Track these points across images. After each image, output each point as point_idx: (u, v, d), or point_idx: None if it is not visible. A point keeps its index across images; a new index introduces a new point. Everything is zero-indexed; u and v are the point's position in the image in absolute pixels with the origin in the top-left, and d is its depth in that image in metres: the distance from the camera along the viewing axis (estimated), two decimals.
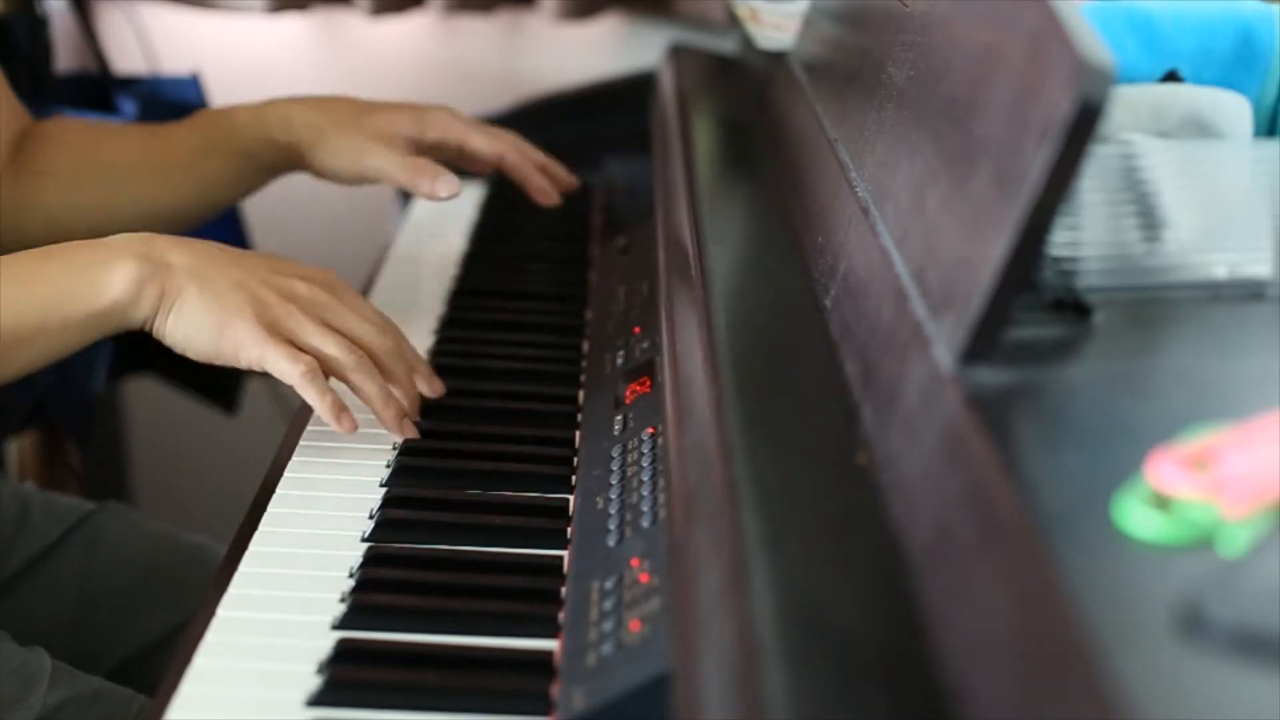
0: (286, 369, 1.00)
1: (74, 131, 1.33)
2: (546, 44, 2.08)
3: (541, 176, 1.37)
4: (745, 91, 1.58)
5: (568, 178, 1.40)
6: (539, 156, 1.38)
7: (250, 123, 1.31)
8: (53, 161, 1.29)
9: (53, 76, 1.78)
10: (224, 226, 1.71)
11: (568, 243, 1.50)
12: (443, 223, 1.57)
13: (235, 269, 1.02)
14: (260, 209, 1.74)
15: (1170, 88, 0.93)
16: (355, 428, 1.02)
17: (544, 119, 1.78)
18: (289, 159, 1.31)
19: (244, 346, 1.00)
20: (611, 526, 0.94)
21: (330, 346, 1.02)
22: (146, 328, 1.01)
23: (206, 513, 1.69)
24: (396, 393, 1.06)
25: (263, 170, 1.33)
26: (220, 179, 1.33)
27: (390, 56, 2.12)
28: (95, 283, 1.00)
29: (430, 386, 1.11)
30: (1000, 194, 0.73)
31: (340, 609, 0.90)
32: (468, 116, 1.38)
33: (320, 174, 1.31)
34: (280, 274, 1.03)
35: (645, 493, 0.95)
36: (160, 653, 1.20)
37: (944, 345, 0.76)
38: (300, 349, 1.01)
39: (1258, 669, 0.54)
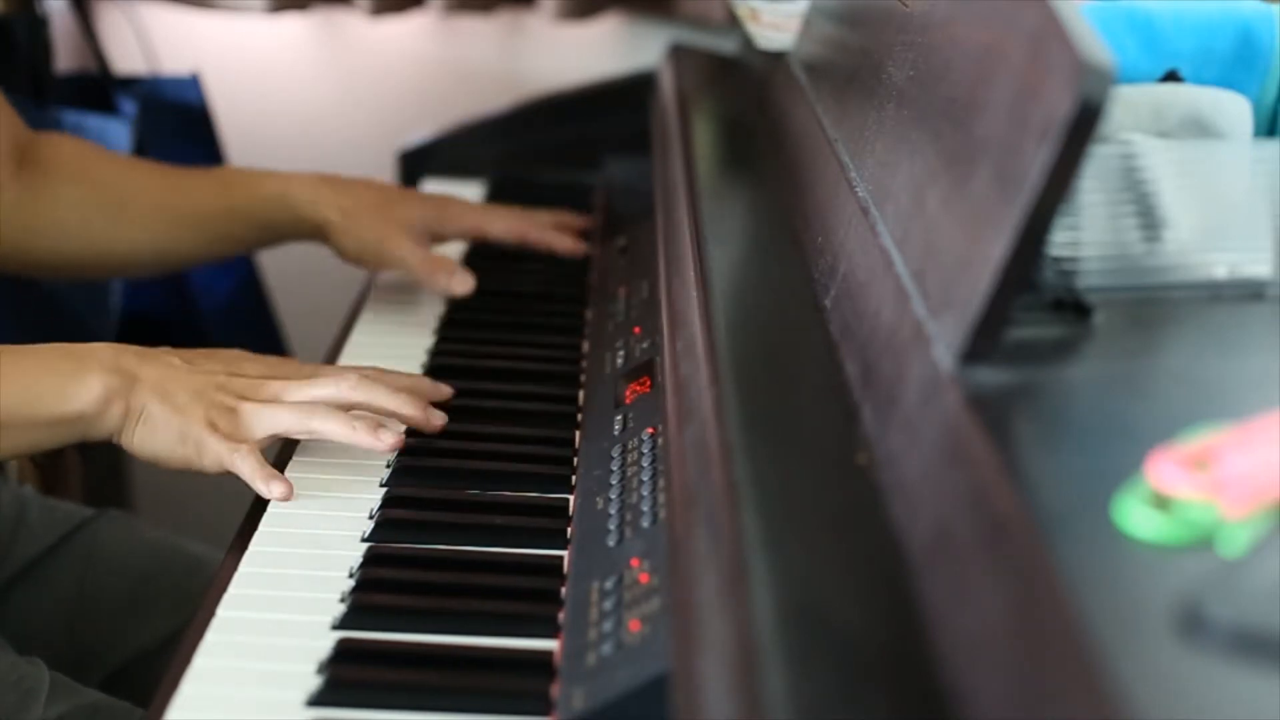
0: (240, 465, 1.02)
1: (88, 158, 1.35)
2: (546, 44, 2.08)
3: (561, 235, 1.44)
4: (745, 91, 1.57)
5: (576, 221, 1.48)
6: (548, 219, 1.45)
7: (277, 197, 1.35)
8: (64, 185, 1.31)
9: (53, 76, 1.78)
10: None
11: None
12: None
13: (195, 377, 1.05)
14: None
15: (1170, 88, 0.93)
16: (289, 493, 1.03)
17: (544, 119, 1.79)
18: (308, 233, 1.36)
19: (204, 450, 1.03)
20: (611, 526, 0.94)
21: (282, 422, 1.04)
22: (114, 441, 1.04)
23: (206, 519, 1.69)
24: (393, 405, 1.08)
25: (277, 238, 1.39)
26: (232, 238, 1.38)
27: (390, 56, 2.12)
28: (65, 389, 1.02)
29: (436, 391, 1.13)
30: (1000, 194, 0.73)
31: (340, 609, 0.90)
32: (480, 204, 1.48)
33: (342, 255, 1.36)
34: (238, 371, 1.07)
35: (645, 493, 0.95)
36: (155, 661, 1.20)
37: (944, 345, 0.76)
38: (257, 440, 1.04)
39: (1258, 669, 0.54)
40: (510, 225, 1.42)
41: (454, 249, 1.50)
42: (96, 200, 1.32)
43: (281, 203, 1.35)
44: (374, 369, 1.11)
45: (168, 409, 1.02)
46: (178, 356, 1.07)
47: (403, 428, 1.08)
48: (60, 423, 1.02)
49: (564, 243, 1.43)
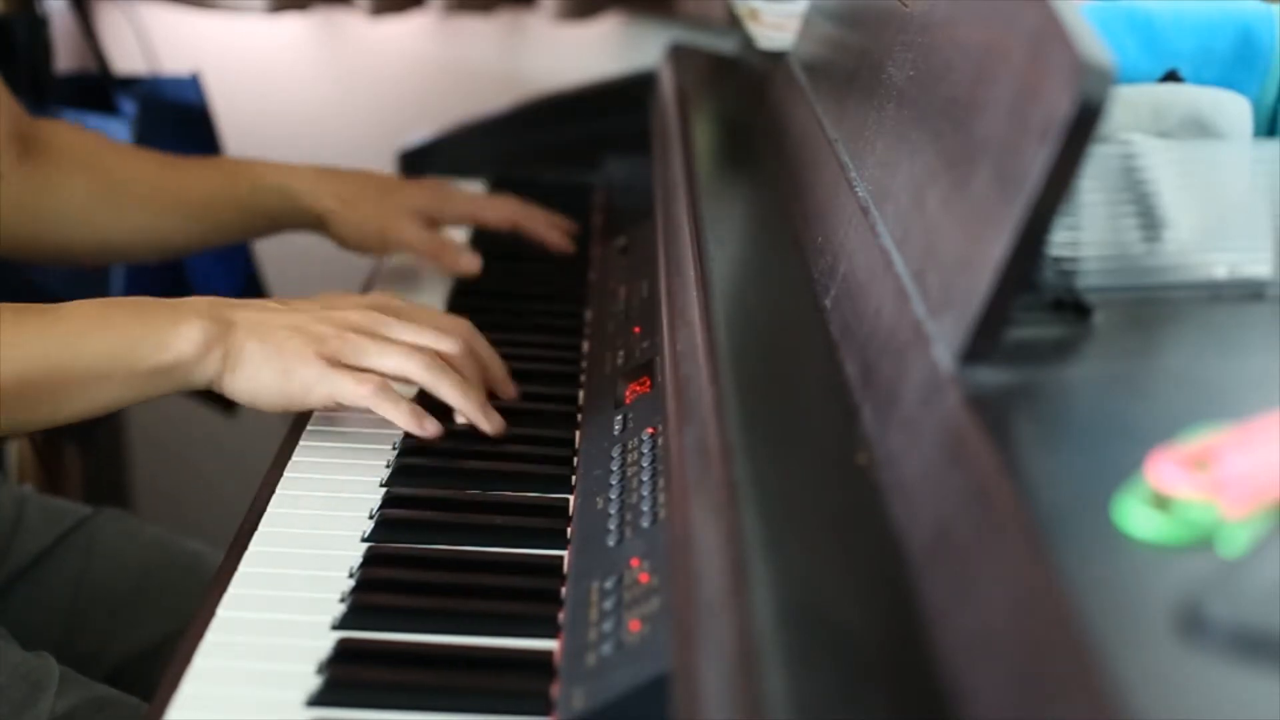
0: (354, 391, 1.02)
1: (89, 145, 1.35)
2: (546, 44, 2.08)
3: (554, 231, 1.46)
4: (745, 91, 1.57)
5: (570, 225, 1.49)
6: (544, 215, 1.46)
7: (276, 185, 1.36)
8: (64, 172, 1.31)
9: (53, 76, 1.78)
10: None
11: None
12: None
13: (290, 315, 1.04)
14: None
15: (1170, 88, 0.93)
16: (440, 431, 1.04)
17: (544, 119, 1.79)
18: (308, 224, 1.38)
19: (310, 385, 1.02)
20: (611, 526, 0.94)
21: (392, 360, 1.04)
22: (215, 388, 1.04)
23: (206, 516, 1.69)
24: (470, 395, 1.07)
25: (275, 227, 1.40)
26: (230, 226, 1.39)
27: (390, 56, 2.12)
28: (164, 338, 1.02)
29: (503, 389, 1.12)
30: (1000, 194, 0.73)
31: (340, 609, 0.90)
32: (476, 193, 1.50)
33: (343, 244, 1.38)
34: (333, 308, 1.06)
35: (645, 493, 0.95)
36: (155, 659, 1.21)
37: (944, 345, 0.76)
38: (366, 371, 1.03)
39: (1258, 669, 0.54)
40: (505, 213, 1.44)
41: (458, 236, 1.50)
42: (97, 186, 1.32)
43: (282, 193, 1.36)
44: (464, 339, 1.09)
45: (269, 347, 1.02)
46: (274, 301, 1.07)
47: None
48: (160, 371, 1.02)
49: (556, 237, 1.45)
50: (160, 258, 1.48)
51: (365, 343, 1.04)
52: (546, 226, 1.45)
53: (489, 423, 1.06)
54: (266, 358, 1.02)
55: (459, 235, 1.56)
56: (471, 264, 1.35)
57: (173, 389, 1.04)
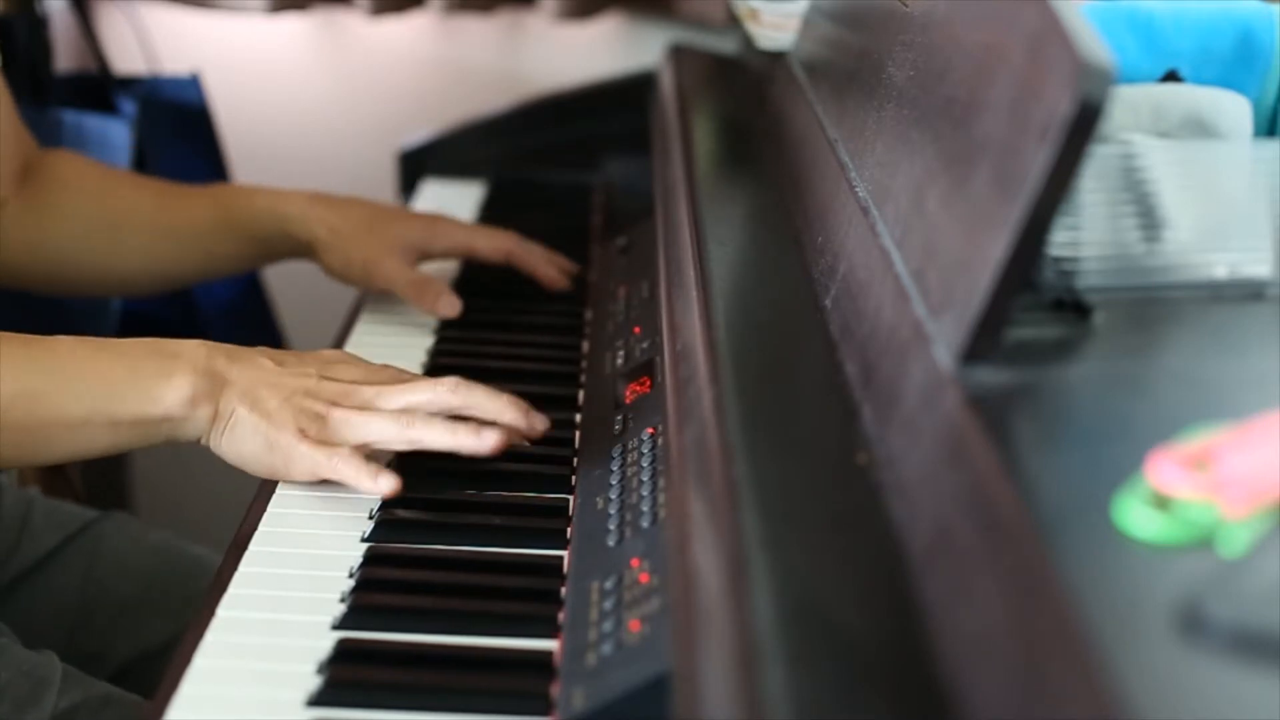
0: (342, 469, 1.00)
1: (90, 176, 1.34)
2: (546, 44, 2.08)
3: (548, 265, 1.40)
4: (745, 91, 1.58)
5: (569, 264, 1.43)
6: (540, 250, 1.41)
7: (268, 211, 1.34)
8: (65, 203, 1.31)
9: (53, 76, 1.78)
10: None
11: (568, 243, 1.50)
12: None
13: (283, 379, 1.02)
14: None
15: (1170, 88, 0.93)
16: (396, 487, 1.00)
17: (544, 119, 1.79)
18: (299, 251, 1.36)
19: (295, 459, 1.00)
20: (611, 526, 0.94)
21: (377, 431, 1.01)
22: (203, 443, 1.02)
23: (206, 517, 1.69)
24: (494, 408, 1.03)
25: (271, 256, 1.38)
26: (227, 255, 1.37)
27: (390, 56, 2.12)
28: (151, 390, 1.00)
29: (528, 421, 1.05)
30: (1000, 194, 0.73)
31: (340, 609, 0.90)
32: (469, 224, 1.44)
33: (329, 272, 1.35)
34: (328, 374, 1.03)
35: (645, 493, 0.95)
36: (157, 662, 1.20)
37: (944, 345, 0.76)
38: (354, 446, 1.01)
39: (1258, 669, 0.54)
40: (498, 244, 1.39)
41: (448, 268, 1.50)
42: (96, 215, 1.32)
43: (272, 218, 1.34)
44: (458, 392, 1.04)
45: (257, 415, 1.00)
46: (269, 358, 1.04)
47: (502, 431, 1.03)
48: (144, 423, 1.00)
49: (549, 272, 1.39)
50: (161, 289, 1.46)
51: (350, 417, 1.01)
52: (541, 262, 1.40)
53: (483, 443, 1.01)
54: (254, 427, 1.00)
55: (463, 217, 1.56)
56: (450, 308, 1.30)
57: (159, 440, 1.02)
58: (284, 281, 1.95)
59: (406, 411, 1.02)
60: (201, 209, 1.35)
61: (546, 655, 0.86)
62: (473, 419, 1.03)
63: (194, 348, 1.03)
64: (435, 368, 1.24)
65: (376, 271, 1.32)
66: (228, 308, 1.81)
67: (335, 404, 1.02)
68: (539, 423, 1.05)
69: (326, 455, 1.00)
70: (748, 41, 1.58)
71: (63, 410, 0.99)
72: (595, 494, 0.99)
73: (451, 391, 1.03)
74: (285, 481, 1.02)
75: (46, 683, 1.04)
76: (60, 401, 0.99)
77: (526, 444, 1.06)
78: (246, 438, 1.01)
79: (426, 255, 1.37)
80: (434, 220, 1.40)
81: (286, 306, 1.92)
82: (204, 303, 1.78)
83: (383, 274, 1.32)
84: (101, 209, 1.32)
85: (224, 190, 1.40)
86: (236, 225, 1.34)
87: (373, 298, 1.39)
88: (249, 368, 1.02)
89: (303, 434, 1.00)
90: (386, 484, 0.99)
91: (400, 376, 1.06)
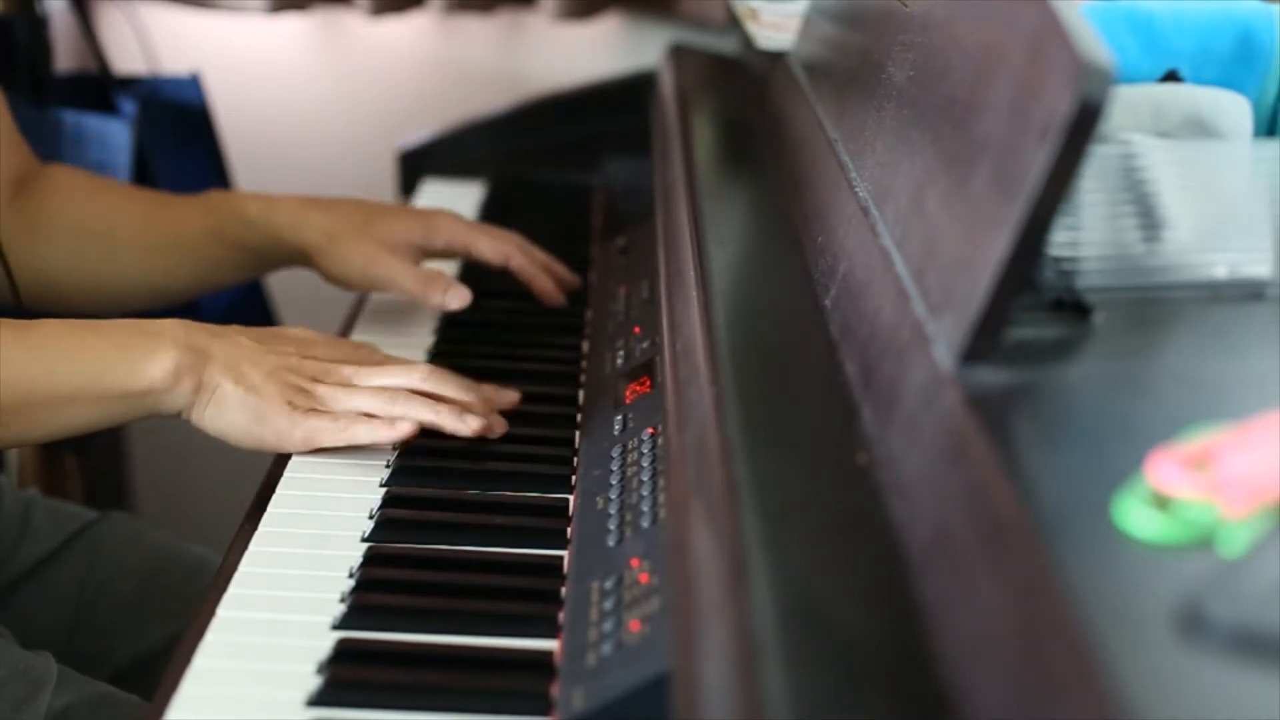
0: (331, 433, 1.04)
1: (82, 189, 1.33)
2: (546, 44, 2.08)
3: (547, 278, 1.37)
4: (745, 91, 1.58)
5: (570, 276, 1.40)
6: (542, 257, 1.38)
7: (260, 218, 1.31)
8: (57, 216, 1.30)
9: (53, 76, 1.78)
10: None
11: (568, 243, 1.50)
12: None
13: (265, 356, 1.05)
14: None
15: (1170, 88, 0.93)
16: (413, 428, 1.05)
17: (544, 119, 1.79)
18: (295, 258, 1.32)
19: (284, 432, 1.04)
20: (611, 526, 0.94)
21: (363, 405, 1.05)
22: (184, 417, 1.05)
23: (207, 519, 1.69)
24: (466, 399, 1.09)
25: (265, 264, 1.35)
26: (221, 265, 1.34)
27: (390, 56, 2.12)
28: (136, 364, 1.03)
29: (488, 422, 1.09)
30: (1000, 194, 0.73)
31: (340, 609, 0.90)
32: (471, 221, 1.39)
33: (328, 277, 1.32)
34: (308, 353, 1.08)
35: (645, 493, 0.95)
36: (156, 663, 1.20)
37: (944, 345, 0.76)
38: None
39: (1258, 669, 0.54)
40: (498, 247, 1.35)
41: (447, 268, 1.49)
42: (86, 229, 1.30)
43: (264, 227, 1.30)
44: (435, 374, 1.09)
45: (242, 389, 1.03)
46: (247, 336, 1.07)
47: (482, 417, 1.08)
48: (130, 397, 1.03)
49: (545, 285, 1.36)
50: (158, 304, 1.40)
51: (335, 392, 1.06)
52: (539, 273, 1.36)
53: (466, 426, 1.05)
54: (241, 400, 1.03)
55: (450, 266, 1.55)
56: (459, 299, 1.27)
57: (144, 414, 1.05)
58: (284, 281, 1.94)
59: (385, 390, 1.06)
60: (194, 219, 1.32)
61: (546, 655, 0.86)
62: (455, 403, 1.08)
63: (173, 325, 1.05)
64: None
65: (376, 271, 1.29)
66: (227, 307, 1.80)
67: (317, 380, 1.06)
68: (498, 425, 1.10)
69: (332, 420, 1.04)
70: (748, 41, 1.58)
71: (52, 388, 1.02)
72: (595, 494, 0.99)
73: (424, 379, 1.08)
74: (270, 451, 1.05)
75: (42, 683, 1.04)
76: (49, 381, 1.02)
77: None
78: (232, 410, 1.03)
79: (426, 252, 1.33)
80: (432, 215, 1.36)
81: (286, 306, 1.91)
82: (203, 301, 1.78)
83: (383, 273, 1.28)
84: (93, 220, 1.30)
85: (217, 199, 1.35)
86: (229, 235, 1.31)
87: (373, 299, 1.39)
88: (230, 344, 1.05)
89: (292, 406, 1.04)
90: (405, 426, 1.04)
91: (373, 356, 1.11)
